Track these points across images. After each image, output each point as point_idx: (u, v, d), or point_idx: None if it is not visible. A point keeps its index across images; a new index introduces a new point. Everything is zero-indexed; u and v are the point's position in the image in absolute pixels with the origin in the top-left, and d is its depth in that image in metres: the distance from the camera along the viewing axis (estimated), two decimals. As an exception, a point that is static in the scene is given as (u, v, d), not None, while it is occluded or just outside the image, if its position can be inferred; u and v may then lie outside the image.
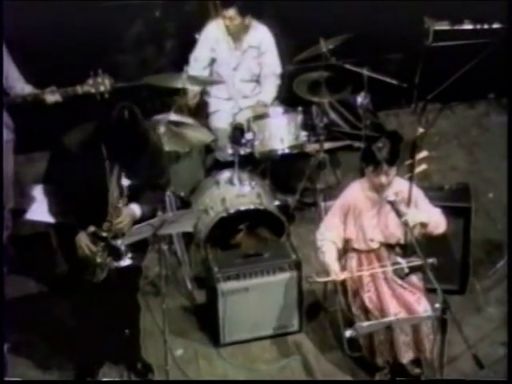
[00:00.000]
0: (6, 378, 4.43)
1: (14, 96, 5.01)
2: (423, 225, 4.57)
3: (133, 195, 4.30)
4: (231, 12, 5.51)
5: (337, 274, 4.57)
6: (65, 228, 4.35)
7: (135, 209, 4.33)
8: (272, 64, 5.76)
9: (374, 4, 6.34)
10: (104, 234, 4.26)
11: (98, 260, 4.27)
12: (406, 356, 4.50)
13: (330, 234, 4.70)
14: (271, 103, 5.71)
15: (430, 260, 4.31)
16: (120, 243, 4.26)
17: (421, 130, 4.66)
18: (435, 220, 4.62)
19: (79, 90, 4.83)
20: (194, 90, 5.64)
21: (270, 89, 5.77)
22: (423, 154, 4.99)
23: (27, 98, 4.99)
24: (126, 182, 4.20)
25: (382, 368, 4.59)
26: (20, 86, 5.05)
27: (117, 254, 4.27)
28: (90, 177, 4.23)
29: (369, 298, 4.57)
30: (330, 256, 4.63)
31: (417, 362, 4.58)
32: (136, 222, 4.30)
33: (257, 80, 5.81)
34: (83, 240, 4.28)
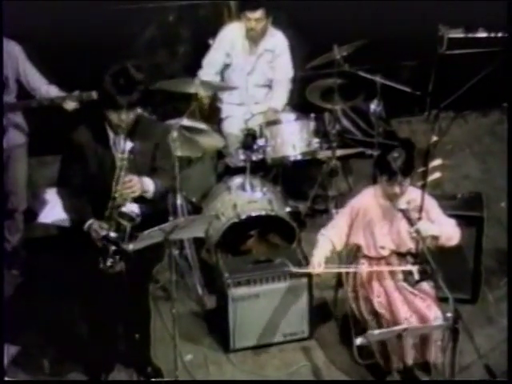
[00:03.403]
0: (6, 378, 4.43)
1: (39, 99, 5.03)
2: (435, 237, 4.55)
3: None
4: (258, 14, 5.50)
5: (314, 267, 4.58)
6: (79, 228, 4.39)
7: (148, 182, 4.41)
8: (285, 68, 5.76)
9: (387, 11, 6.33)
10: (118, 201, 4.31)
11: (112, 247, 4.31)
12: (409, 357, 4.49)
13: (331, 232, 4.71)
14: (282, 109, 5.71)
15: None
16: (131, 248, 4.27)
17: (435, 138, 4.64)
18: (447, 233, 4.59)
19: (94, 95, 4.86)
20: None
21: (281, 95, 5.77)
22: (437, 161, 4.96)
23: (43, 103, 5.01)
24: (129, 145, 4.30)
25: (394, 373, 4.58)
26: (44, 88, 5.07)
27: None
28: (102, 166, 4.33)
29: (379, 302, 4.57)
30: (318, 250, 4.65)
31: (426, 368, 4.56)
32: (150, 200, 4.41)
33: (269, 85, 5.81)
34: (94, 227, 4.32)
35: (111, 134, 4.37)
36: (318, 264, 4.59)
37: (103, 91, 4.27)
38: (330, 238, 4.68)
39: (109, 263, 4.30)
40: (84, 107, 4.95)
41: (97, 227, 4.31)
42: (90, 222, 4.34)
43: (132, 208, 4.35)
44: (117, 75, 4.24)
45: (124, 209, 4.33)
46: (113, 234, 4.30)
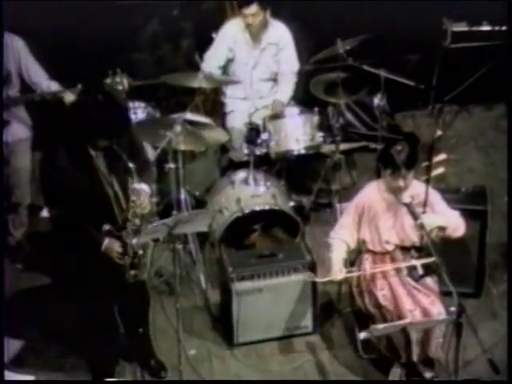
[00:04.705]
0: (6, 378, 4.43)
1: (42, 92, 5.05)
2: (441, 228, 4.55)
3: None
4: (253, 9, 5.49)
5: (336, 274, 4.56)
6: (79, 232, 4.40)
7: (145, 187, 4.44)
8: (290, 60, 5.75)
9: (391, 5, 6.31)
10: (135, 221, 4.34)
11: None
12: (414, 353, 4.48)
13: (342, 233, 4.70)
14: (288, 102, 5.71)
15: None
16: (135, 242, 4.29)
17: (439, 133, 4.64)
18: (453, 223, 4.60)
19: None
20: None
21: (287, 88, 5.77)
22: (442, 156, 4.95)
23: (46, 97, 5.03)
24: (132, 164, 4.29)
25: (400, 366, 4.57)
26: (45, 83, 5.09)
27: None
28: (86, 181, 4.31)
29: (383, 296, 4.56)
30: (336, 255, 4.64)
31: (430, 364, 4.57)
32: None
33: (274, 79, 5.80)
34: (114, 247, 4.34)
35: (93, 152, 4.35)
36: (339, 270, 4.57)
37: (90, 123, 4.22)
38: (342, 240, 4.68)
39: (138, 275, 4.39)
40: (59, 130, 4.87)
41: (117, 247, 4.34)
42: (105, 243, 4.34)
43: None
44: (102, 104, 4.22)
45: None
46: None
